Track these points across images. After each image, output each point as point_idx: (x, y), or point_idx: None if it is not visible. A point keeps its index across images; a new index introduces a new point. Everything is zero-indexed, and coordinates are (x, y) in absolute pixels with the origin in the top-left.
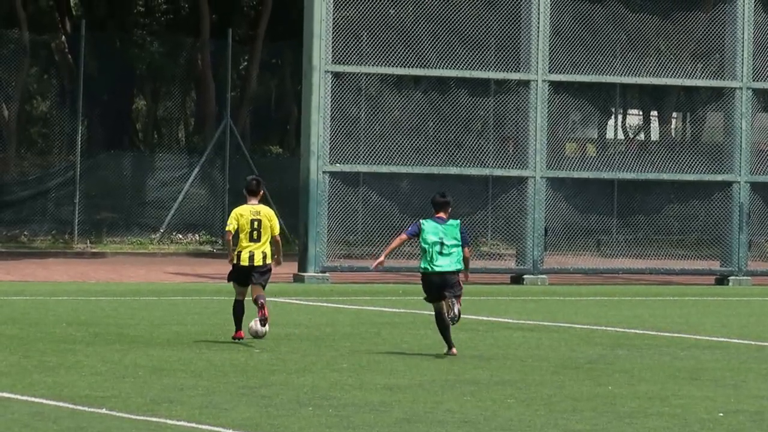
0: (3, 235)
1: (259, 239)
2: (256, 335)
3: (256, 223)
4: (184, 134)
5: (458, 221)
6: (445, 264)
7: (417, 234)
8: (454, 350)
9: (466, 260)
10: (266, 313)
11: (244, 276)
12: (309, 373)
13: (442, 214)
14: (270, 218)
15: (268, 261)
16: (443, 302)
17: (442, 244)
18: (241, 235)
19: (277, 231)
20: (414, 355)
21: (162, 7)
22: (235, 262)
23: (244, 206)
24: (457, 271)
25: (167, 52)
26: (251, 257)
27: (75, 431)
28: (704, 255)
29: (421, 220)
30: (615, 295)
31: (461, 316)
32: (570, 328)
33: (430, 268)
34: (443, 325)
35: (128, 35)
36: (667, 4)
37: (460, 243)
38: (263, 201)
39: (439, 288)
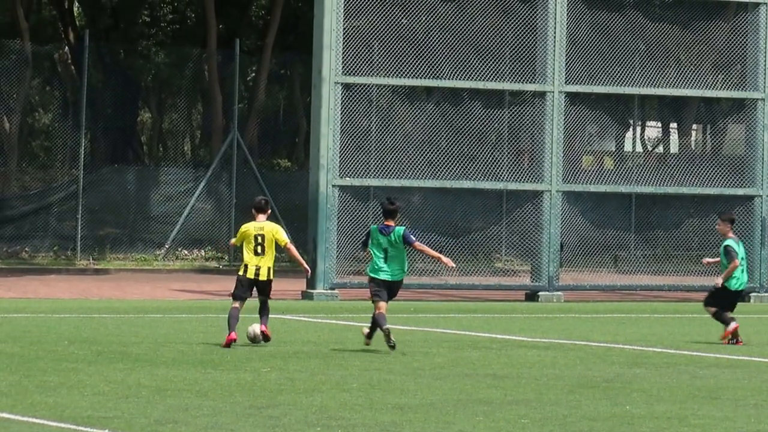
0: (4, 252)
1: (263, 253)
2: (255, 339)
3: (260, 238)
4: (190, 147)
5: (402, 228)
6: (390, 272)
7: (367, 244)
8: (369, 342)
9: (422, 250)
10: (268, 332)
11: (245, 288)
12: (318, 392)
13: (391, 222)
14: (274, 232)
15: (272, 276)
16: (383, 306)
17: (386, 254)
18: (247, 250)
19: (283, 240)
20: (425, 374)
21: (168, 17)
22: (241, 273)
23: (251, 223)
24: (402, 280)
25: (173, 63)
26: (257, 271)
27: None
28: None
29: (370, 228)
30: (632, 313)
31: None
32: (586, 346)
33: (376, 276)
34: (377, 323)
35: (133, 46)
36: (687, 14)
37: (404, 250)
38: (271, 218)
39: (386, 291)
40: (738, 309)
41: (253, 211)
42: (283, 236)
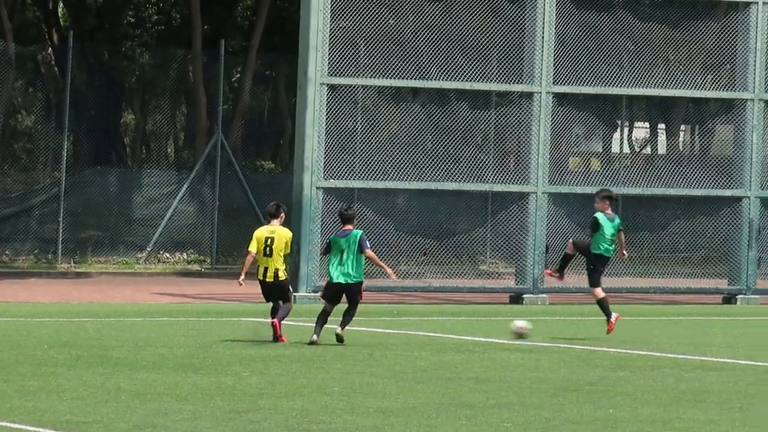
0: None
1: (271, 254)
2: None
3: (269, 240)
4: (173, 149)
5: (359, 232)
6: (343, 273)
7: (328, 251)
8: (316, 337)
9: (371, 258)
10: (279, 332)
11: (266, 292)
12: (299, 396)
13: (349, 227)
14: (285, 238)
15: (281, 278)
16: (333, 307)
17: (341, 255)
18: (259, 252)
19: (287, 250)
20: (407, 377)
21: (153, 18)
22: (258, 277)
23: (263, 227)
24: (357, 283)
25: (157, 64)
26: (265, 272)
27: None
28: (711, 273)
29: (330, 237)
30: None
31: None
32: (570, 349)
33: (333, 278)
34: (322, 319)
35: (117, 47)
36: (677, 13)
37: (361, 254)
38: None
39: (337, 294)
40: (724, 311)
41: (268, 217)
42: (288, 246)
